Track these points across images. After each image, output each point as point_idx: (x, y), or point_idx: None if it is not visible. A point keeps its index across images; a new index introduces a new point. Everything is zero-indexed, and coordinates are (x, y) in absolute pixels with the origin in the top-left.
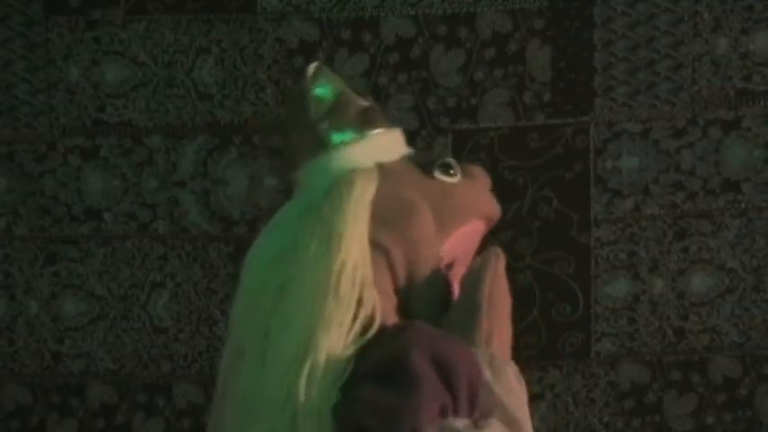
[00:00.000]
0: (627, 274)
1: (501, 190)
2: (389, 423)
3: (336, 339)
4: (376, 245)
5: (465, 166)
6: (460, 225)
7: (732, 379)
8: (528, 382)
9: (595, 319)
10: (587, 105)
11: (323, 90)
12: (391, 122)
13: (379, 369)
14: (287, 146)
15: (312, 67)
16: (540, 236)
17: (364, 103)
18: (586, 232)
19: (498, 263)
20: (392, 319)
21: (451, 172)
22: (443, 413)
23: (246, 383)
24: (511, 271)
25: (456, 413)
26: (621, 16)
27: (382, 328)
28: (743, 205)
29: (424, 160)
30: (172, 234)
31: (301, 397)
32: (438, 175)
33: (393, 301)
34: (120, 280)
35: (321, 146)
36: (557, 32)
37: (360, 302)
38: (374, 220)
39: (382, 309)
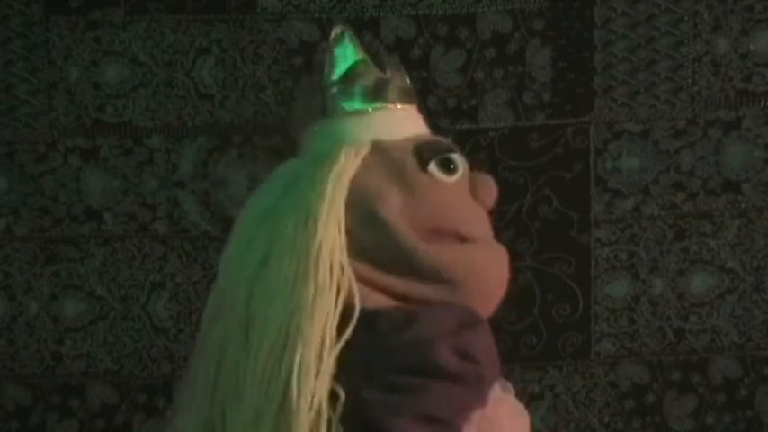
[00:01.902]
0: (627, 274)
1: (501, 190)
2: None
3: (319, 329)
4: (347, 230)
5: (474, 174)
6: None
7: (732, 379)
8: (528, 382)
9: (595, 319)
10: (587, 105)
11: (340, 55)
12: (410, 98)
13: (406, 365)
14: (296, 107)
15: (336, 30)
16: (540, 236)
17: (381, 74)
18: (586, 233)
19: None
20: (373, 301)
21: (451, 168)
22: (473, 408)
23: (227, 356)
24: (511, 271)
25: (483, 402)
26: (621, 16)
27: (371, 313)
28: (743, 205)
29: (428, 149)
30: (172, 234)
31: (291, 391)
32: (433, 169)
33: (374, 283)
34: (120, 280)
35: (326, 111)
36: (557, 32)
37: (338, 289)
38: (349, 203)
39: (362, 294)
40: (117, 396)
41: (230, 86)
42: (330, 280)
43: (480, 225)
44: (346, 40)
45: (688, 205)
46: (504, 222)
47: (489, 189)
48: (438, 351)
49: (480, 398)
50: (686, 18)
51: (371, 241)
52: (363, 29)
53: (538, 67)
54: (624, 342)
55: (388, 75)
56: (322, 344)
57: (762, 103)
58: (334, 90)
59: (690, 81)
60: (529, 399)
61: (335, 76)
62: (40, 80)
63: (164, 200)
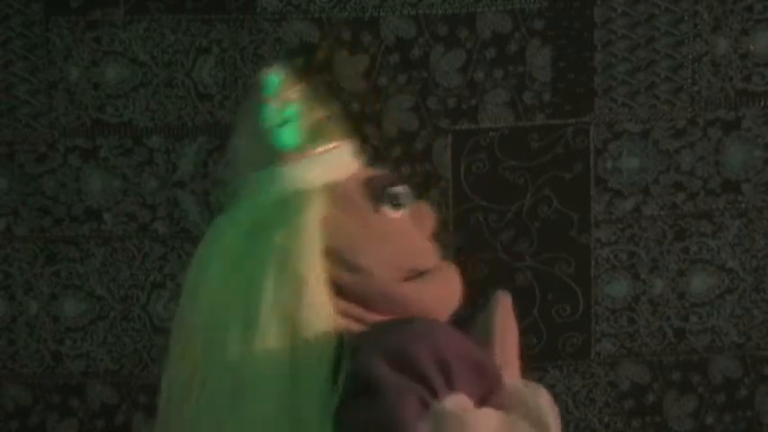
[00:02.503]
0: (627, 274)
1: (501, 190)
2: None
3: (311, 393)
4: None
5: (417, 203)
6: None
7: (732, 379)
8: None
9: (595, 319)
10: (587, 105)
11: (279, 97)
12: (348, 134)
13: (352, 387)
14: (235, 153)
15: (270, 73)
16: (540, 236)
17: (323, 113)
18: (586, 233)
19: (507, 300)
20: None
21: (399, 203)
22: (425, 404)
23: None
24: (511, 271)
25: (436, 396)
26: (621, 16)
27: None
28: (743, 205)
29: (376, 185)
30: (172, 234)
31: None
32: (384, 208)
33: (362, 321)
34: (120, 280)
35: (271, 156)
36: (557, 32)
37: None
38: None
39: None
40: (117, 396)
41: (230, 86)
42: (318, 343)
43: (431, 254)
44: (282, 82)
45: (688, 205)
46: (504, 222)
47: (431, 217)
48: (370, 367)
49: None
50: (686, 18)
51: (351, 284)
52: (363, 29)
53: (538, 67)
54: (624, 342)
55: (327, 111)
56: (319, 396)
57: (762, 103)
58: (275, 134)
59: (690, 81)
60: None
61: (276, 121)
62: (40, 80)
63: (164, 200)
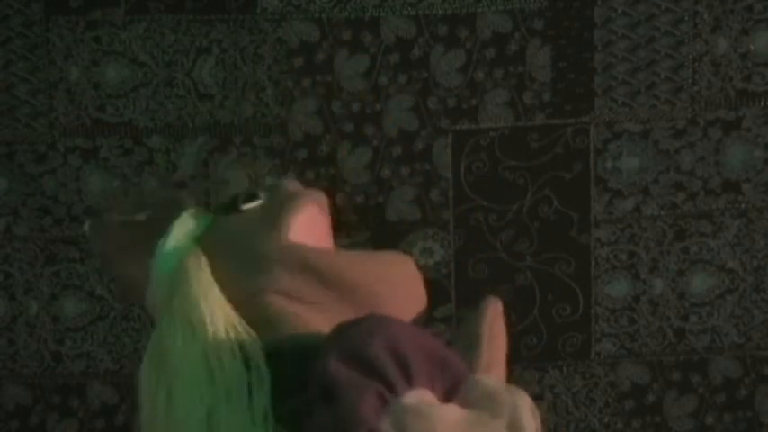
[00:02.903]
0: (627, 274)
1: (501, 190)
2: None
3: (239, 405)
4: (258, 290)
5: (271, 186)
6: (292, 217)
7: (732, 379)
8: (528, 383)
9: (595, 319)
10: (587, 105)
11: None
12: (169, 193)
13: (313, 395)
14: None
15: (88, 224)
16: (540, 236)
17: (144, 202)
18: (586, 232)
19: (497, 305)
20: (321, 331)
21: (255, 196)
22: (384, 400)
23: None
24: (511, 271)
25: (395, 392)
26: (621, 16)
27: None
28: (743, 205)
29: (226, 205)
30: None
31: None
32: (245, 206)
33: (317, 314)
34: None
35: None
36: (557, 32)
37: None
38: (233, 279)
39: (302, 329)
40: (117, 396)
41: (230, 86)
42: (237, 362)
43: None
44: (106, 215)
45: (688, 205)
46: (504, 222)
47: (280, 181)
48: (326, 367)
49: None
50: (686, 18)
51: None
52: (363, 29)
53: (538, 67)
54: (624, 342)
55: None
56: (250, 420)
57: (762, 103)
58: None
59: (690, 81)
60: None
61: (124, 241)
62: (40, 80)
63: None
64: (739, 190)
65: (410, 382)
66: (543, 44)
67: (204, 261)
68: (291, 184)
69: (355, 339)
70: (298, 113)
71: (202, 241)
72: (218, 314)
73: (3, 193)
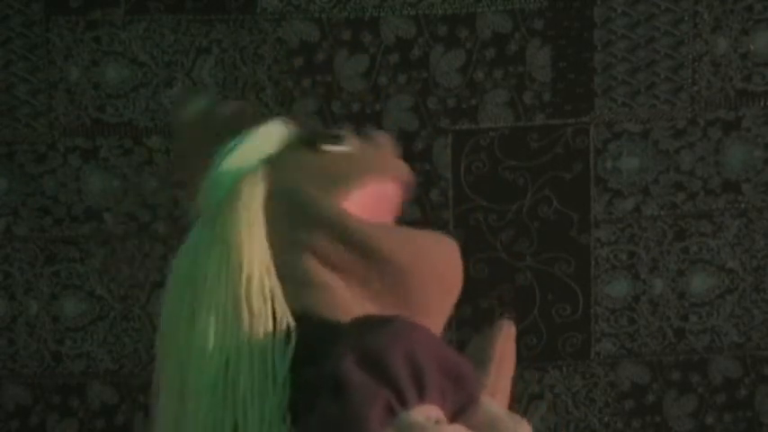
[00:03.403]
0: (627, 274)
1: (501, 190)
2: None
3: (261, 360)
4: (295, 243)
5: (365, 135)
6: (361, 185)
7: (732, 379)
8: (528, 383)
9: (595, 319)
10: (587, 105)
11: (193, 112)
12: (264, 113)
13: (321, 383)
14: (186, 181)
15: (179, 95)
16: (540, 236)
17: (232, 107)
18: (586, 232)
19: (510, 329)
20: (346, 309)
21: (340, 140)
22: (392, 410)
23: (167, 422)
24: (511, 271)
25: (404, 404)
26: (621, 16)
27: (321, 327)
28: (743, 205)
29: (309, 137)
30: (172, 234)
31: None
32: (326, 147)
33: (347, 289)
34: (121, 280)
35: (210, 165)
36: (557, 32)
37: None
38: (277, 220)
39: (328, 303)
40: (117, 396)
41: (230, 86)
42: (265, 309)
43: (397, 162)
44: (191, 98)
45: (688, 205)
46: (504, 222)
47: (383, 135)
48: (341, 366)
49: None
50: (686, 18)
51: (315, 239)
52: (363, 29)
53: (538, 67)
54: (624, 342)
55: (237, 103)
56: (269, 380)
57: (762, 103)
58: (204, 145)
59: (690, 81)
60: (529, 399)
61: (198, 134)
62: (40, 80)
63: (164, 200)
64: (739, 190)
65: (422, 396)
66: (543, 44)
67: (260, 189)
68: (383, 144)
69: (377, 342)
70: (298, 113)
71: (266, 166)
72: (256, 254)
73: (3, 193)
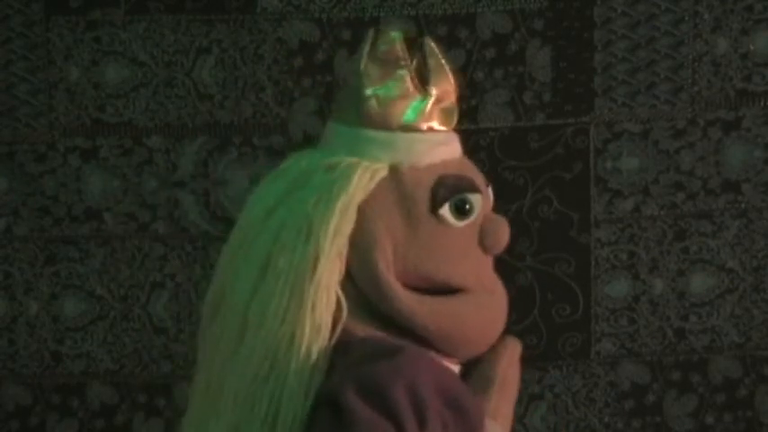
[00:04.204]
0: (627, 274)
1: (501, 190)
2: None
3: (307, 348)
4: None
5: (489, 216)
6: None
7: (732, 379)
8: (528, 383)
9: (595, 319)
10: (587, 105)
11: (389, 60)
12: (450, 118)
13: (322, 412)
14: (337, 89)
15: (398, 33)
16: (540, 236)
17: (425, 91)
18: (586, 232)
19: (515, 348)
20: (362, 328)
21: (466, 210)
22: None
23: (214, 370)
24: (511, 271)
25: None
26: (621, 16)
27: (346, 343)
28: (743, 205)
29: (446, 188)
30: (172, 234)
31: (271, 407)
32: (444, 212)
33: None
34: (120, 280)
35: (358, 115)
36: (557, 33)
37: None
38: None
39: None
40: (117, 396)
41: (230, 86)
42: (324, 312)
43: (476, 275)
44: (397, 45)
45: (688, 205)
46: None
47: (499, 237)
48: (344, 393)
49: None
50: (686, 18)
51: (359, 273)
52: (363, 29)
53: (538, 67)
54: (624, 342)
55: (432, 91)
56: (309, 371)
57: (762, 103)
58: (373, 98)
59: (690, 81)
60: (529, 399)
61: (377, 88)
62: (40, 80)
63: (164, 200)
64: (739, 190)
65: (423, 427)
66: (543, 44)
67: (366, 191)
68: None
69: (380, 376)
70: (298, 113)
71: (395, 173)
72: (334, 252)
73: (3, 193)
